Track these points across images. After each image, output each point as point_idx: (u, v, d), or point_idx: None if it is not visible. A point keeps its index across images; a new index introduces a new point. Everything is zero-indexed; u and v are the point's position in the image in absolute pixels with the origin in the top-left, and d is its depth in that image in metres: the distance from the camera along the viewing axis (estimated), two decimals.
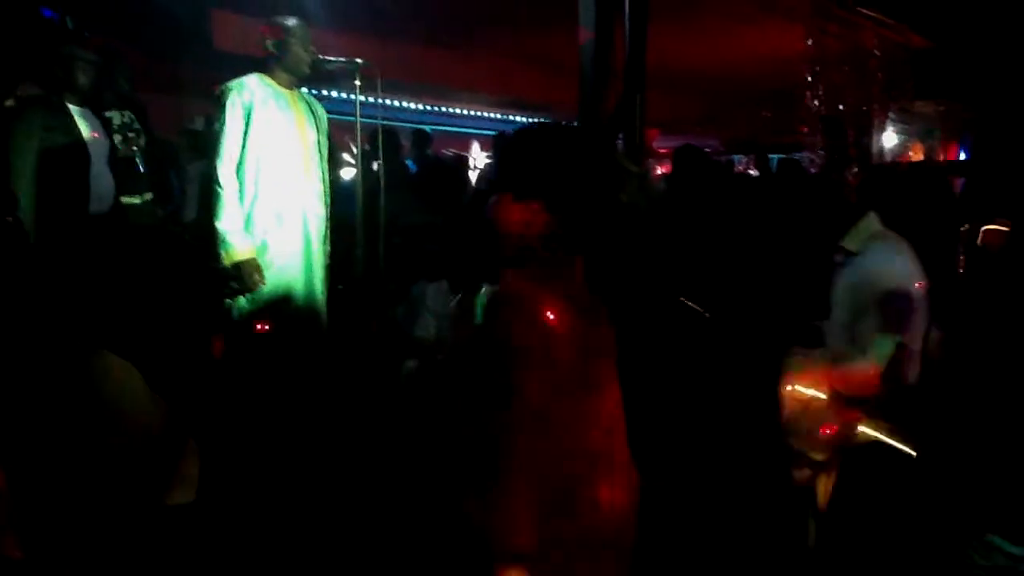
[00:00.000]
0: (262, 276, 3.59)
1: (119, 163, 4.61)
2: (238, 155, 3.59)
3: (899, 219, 3.11)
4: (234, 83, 3.63)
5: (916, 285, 2.97)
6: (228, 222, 3.55)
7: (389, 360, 4.31)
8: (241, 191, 3.60)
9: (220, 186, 3.55)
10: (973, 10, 7.66)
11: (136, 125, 5.16)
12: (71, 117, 4.27)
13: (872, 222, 3.08)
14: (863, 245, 3.04)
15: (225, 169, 3.57)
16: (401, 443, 3.67)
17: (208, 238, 3.60)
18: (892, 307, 2.89)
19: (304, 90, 3.97)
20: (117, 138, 4.83)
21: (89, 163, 4.25)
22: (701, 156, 5.37)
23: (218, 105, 3.62)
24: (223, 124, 3.58)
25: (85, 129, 4.31)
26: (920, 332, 3.04)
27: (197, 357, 3.80)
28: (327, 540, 3.20)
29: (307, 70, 3.76)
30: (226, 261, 3.54)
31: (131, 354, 2.21)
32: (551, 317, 1.71)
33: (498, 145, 8.57)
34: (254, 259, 3.57)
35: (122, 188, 4.62)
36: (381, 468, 3.62)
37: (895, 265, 2.98)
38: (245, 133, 3.59)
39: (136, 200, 4.96)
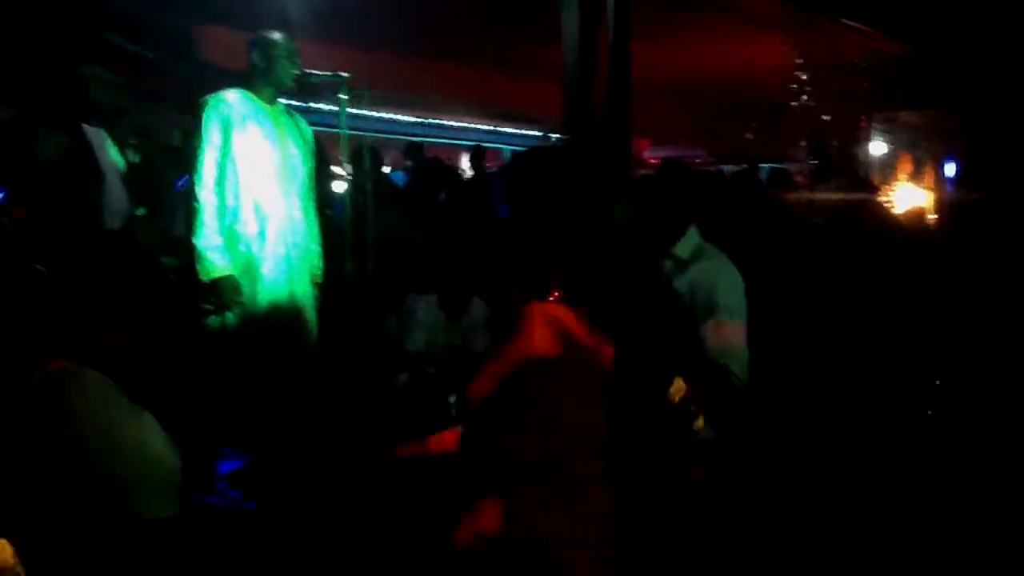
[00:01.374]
0: (240, 293, 3.59)
1: (130, 180, 4.59)
2: (216, 171, 3.58)
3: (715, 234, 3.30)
4: (212, 98, 3.62)
5: (743, 288, 3.14)
6: (206, 239, 3.54)
7: (380, 373, 4.31)
8: (222, 207, 3.60)
9: (198, 202, 3.55)
10: (956, 19, 7.72)
11: (132, 140, 5.19)
12: (85, 137, 4.27)
13: (694, 234, 3.22)
14: (694, 253, 3.16)
15: (203, 185, 3.56)
16: (391, 458, 3.66)
17: (189, 254, 3.60)
18: (732, 306, 3.06)
19: (289, 102, 3.97)
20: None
21: (103, 182, 4.25)
22: (685, 171, 5.41)
23: (196, 120, 3.61)
24: (201, 140, 3.57)
25: (100, 149, 4.32)
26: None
27: (183, 369, 3.79)
28: (317, 553, 3.19)
29: (291, 84, 3.76)
30: (204, 277, 3.54)
31: (117, 367, 2.21)
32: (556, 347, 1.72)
33: (475, 157, 8.63)
34: (232, 276, 3.57)
35: None
36: (371, 483, 3.61)
37: (731, 269, 3.15)
38: (224, 149, 3.58)
39: None
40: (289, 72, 3.72)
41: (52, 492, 1.79)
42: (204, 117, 3.58)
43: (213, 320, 3.64)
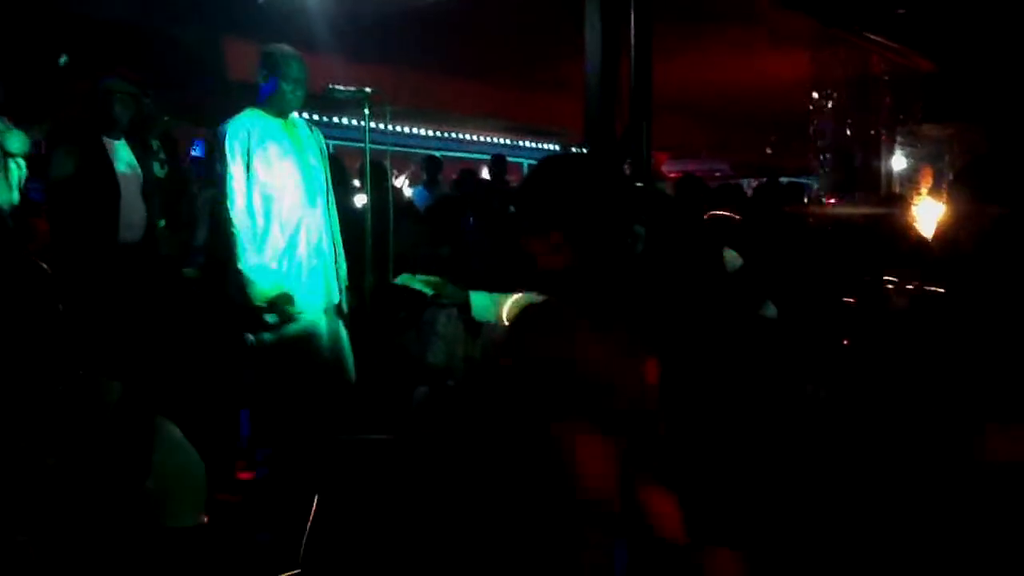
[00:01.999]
0: (294, 302, 3.60)
1: (152, 193, 4.63)
2: (245, 195, 3.59)
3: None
4: (229, 124, 3.61)
5: None
6: (248, 262, 3.55)
7: (399, 386, 4.31)
8: (254, 228, 3.60)
9: (234, 227, 3.55)
10: (979, 33, 7.68)
11: (162, 155, 5.27)
12: (104, 150, 4.31)
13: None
14: None
15: (236, 210, 3.56)
16: (414, 469, 3.66)
17: (224, 275, 3.60)
18: None
19: (303, 116, 3.98)
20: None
21: (119, 195, 4.29)
22: (702, 187, 5.44)
23: (219, 148, 3.62)
24: (225, 167, 3.56)
25: (119, 162, 4.36)
26: None
27: (213, 381, 3.82)
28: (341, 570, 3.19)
29: (298, 104, 3.73)
30: (258, 301, 3.53)
31: (147, 378, 2.24)
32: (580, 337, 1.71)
33: (494, 167, 8.65)
34: (283, 291, 3.57)
35: None
36: (394, 495, 3.61)
37: None
38: (248, 172, 3.58)
39: None
40: (296, 92, 3.66)
41: (83, 500, 1.81)
42: (225, 143, 3.58)
43: (253, 337, 3.65)
